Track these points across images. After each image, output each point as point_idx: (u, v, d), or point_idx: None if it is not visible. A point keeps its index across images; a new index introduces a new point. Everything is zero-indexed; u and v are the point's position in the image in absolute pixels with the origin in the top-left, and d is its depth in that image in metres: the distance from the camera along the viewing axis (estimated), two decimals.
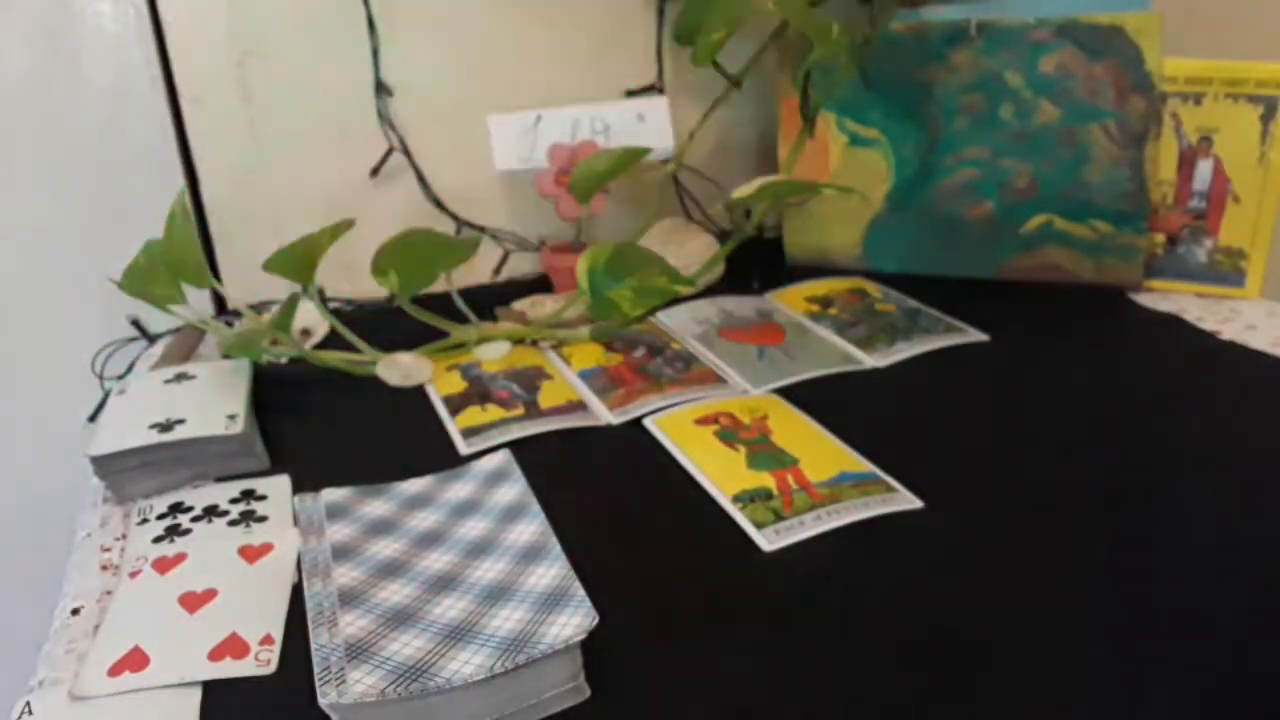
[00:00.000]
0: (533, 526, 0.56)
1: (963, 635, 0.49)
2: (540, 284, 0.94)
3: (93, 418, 0.85)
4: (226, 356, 0.80)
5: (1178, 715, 0.44)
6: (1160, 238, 0.87)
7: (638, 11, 0.95)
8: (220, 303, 0.94)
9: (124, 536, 0.61)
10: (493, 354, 0.80)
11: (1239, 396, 0.70)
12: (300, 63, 0.88)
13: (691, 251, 0.93)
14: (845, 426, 0.67)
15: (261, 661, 0.49)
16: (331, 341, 0.83)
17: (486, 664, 0.44)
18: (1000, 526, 0.57)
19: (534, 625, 0.46)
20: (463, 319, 0.80)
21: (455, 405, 0.73)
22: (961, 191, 0.89)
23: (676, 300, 0.82)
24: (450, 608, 0.49)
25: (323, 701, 0.43)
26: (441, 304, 0.79)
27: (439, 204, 0.94)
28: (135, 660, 0.49)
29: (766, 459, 0.64)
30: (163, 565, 0.56)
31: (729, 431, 0.67)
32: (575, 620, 0.46)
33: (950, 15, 0.86)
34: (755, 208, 0.86)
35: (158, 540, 0.59)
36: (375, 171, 0.92)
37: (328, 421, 0.73)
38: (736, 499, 0.60)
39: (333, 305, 0.93)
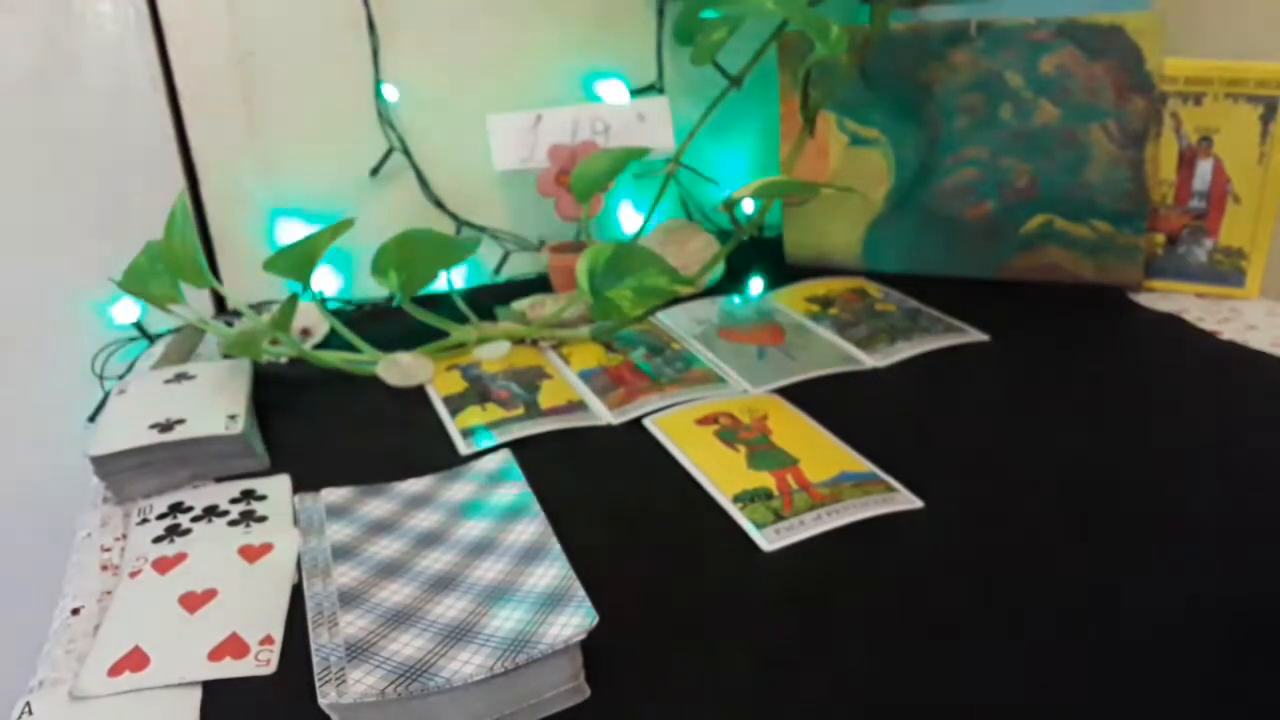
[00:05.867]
0: (533, 526, 0.56)
1: (963, 635, 0.49)
2: (540, 284, 0.94)
3: (93, 418, 0.85)
4: (226, 356, 0.80)
5: (1178, 713, 0.44)
6: (1160, 238, 0.87)
7: (638, 11, 0.95)
8: (220, 303, 0.94)
9: (124, 536, 0.61)
10: (493, 354, 0.80)
11: (1239, 396, 0.70)
12: (300, 63, 0.88)
13: (691, 251, 0.93)
14: (845, 426, 0.67)
15: (261, 661, 0.49)
16: (331, 341, 0.83)
17: (486, 664, 0.44)
18: (1000, 526, 0.57)
19: (534, 625, 0.46)
20: (463, 319, 0.80)
21: (455, 405, 0.73)
22: (961, 191, 0.89)
23: (676, 300, 0.82)
24: (450, 608, 0.49)
25: (323, 701, 0.43)
26: (442, 304, 0.79)
27: (439, 204, 0.94)
28: (135, 660, 0.49)
29: (766, 459, 0.64)
30: (163, 565, 0.56)
31: (729, 431, 0.67)
32: (575, 620, 0.46)
33: (950, 15, 0.86)
34: (755, 208, 0.85)
35: (158, 540, 0.59)
36: (375, 171, 0.92)
37: (328, 421, 0.73)
38: (736, 499, 0.60)
39: (333, 305, 0.93)
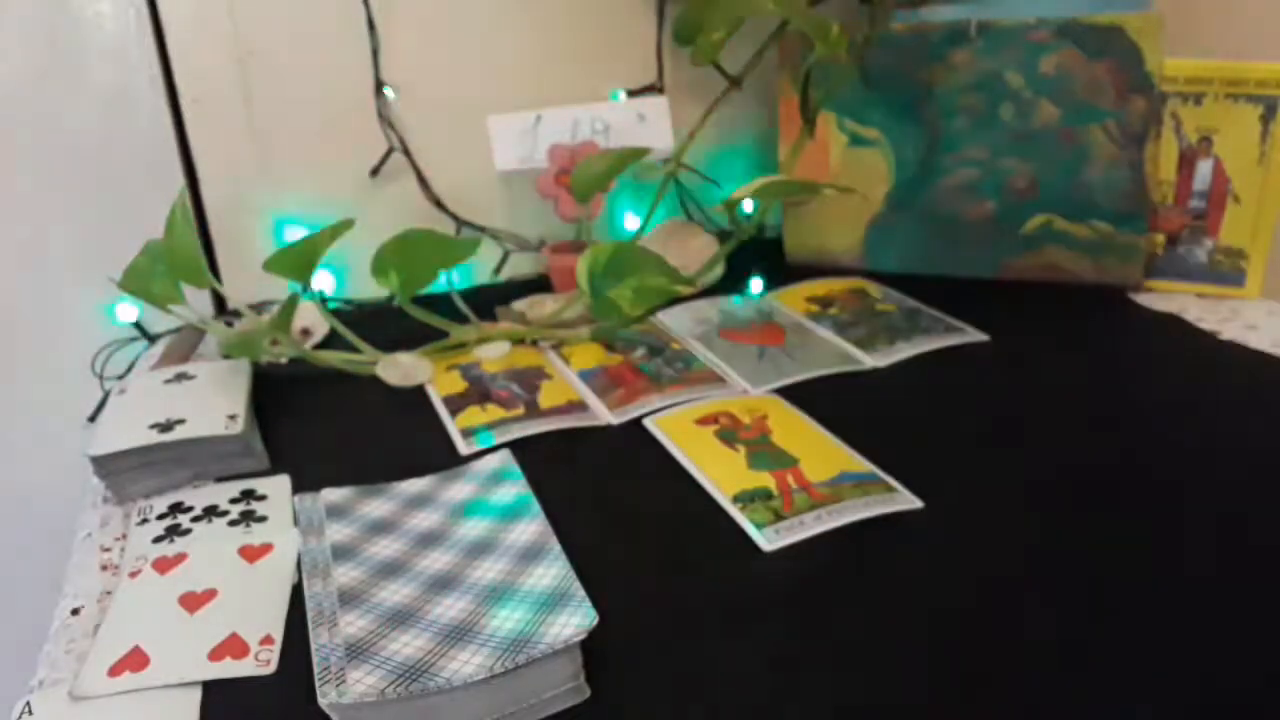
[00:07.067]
0: (533, 526, 0.56)
1: (963, 635, 0.49)
2: (540, 284, 0.94)
3: (93, 418, 0.85)
4: (226, 356, 0.80)
5: (1181, 708, 0.44)
6: (1160, 238, 0.87)
7: (638, 11, 0.95)
8: (220, 303, 0.94)
9: (124, 536, 0.61)
10: (493, 354, 0.80)
11: (1239, 396, 0.70)
12: (300, 63, 0.88)
13: (691, 251, 0.93)
14: (845, 426, 0.67)
15: (261, 661, 0.49)
16: (331, 341, 0.83)
17: (486, 664, 0.44)
18: (1000, 526, 0.57)
19: (534, 625, 0.46)
20: (463, 319, 0.80)
21: (455, 405, 0.73)
22: (962, 191, 0.89)
23: (676, 300, 0.82)
24: (450, 608, 0.49)
25: (323, 701, 0.43)
26: (441, 304, 0.79)
27: (439, 204, 0.94)
28: (135, 660, 0.49)
29: (766, 459, 0.64)
30: (163, 565, 0.56)
31: (729, 431, 0.67)
32: (575, 620, 0.46)
33: (950, 15, 0.86)
34: (755, 208, 0.85)
35: (158, 540, 0.59)
36: (375, 171, 0.92)
37: (328, 421, 0.73)
38: (736, 499, 0.60)
39: (333, 305, 0.93)
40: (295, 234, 0.91)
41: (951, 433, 0.68)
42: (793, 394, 0.73)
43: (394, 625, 0.48)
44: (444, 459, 0.66)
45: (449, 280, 0.79)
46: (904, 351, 0.78)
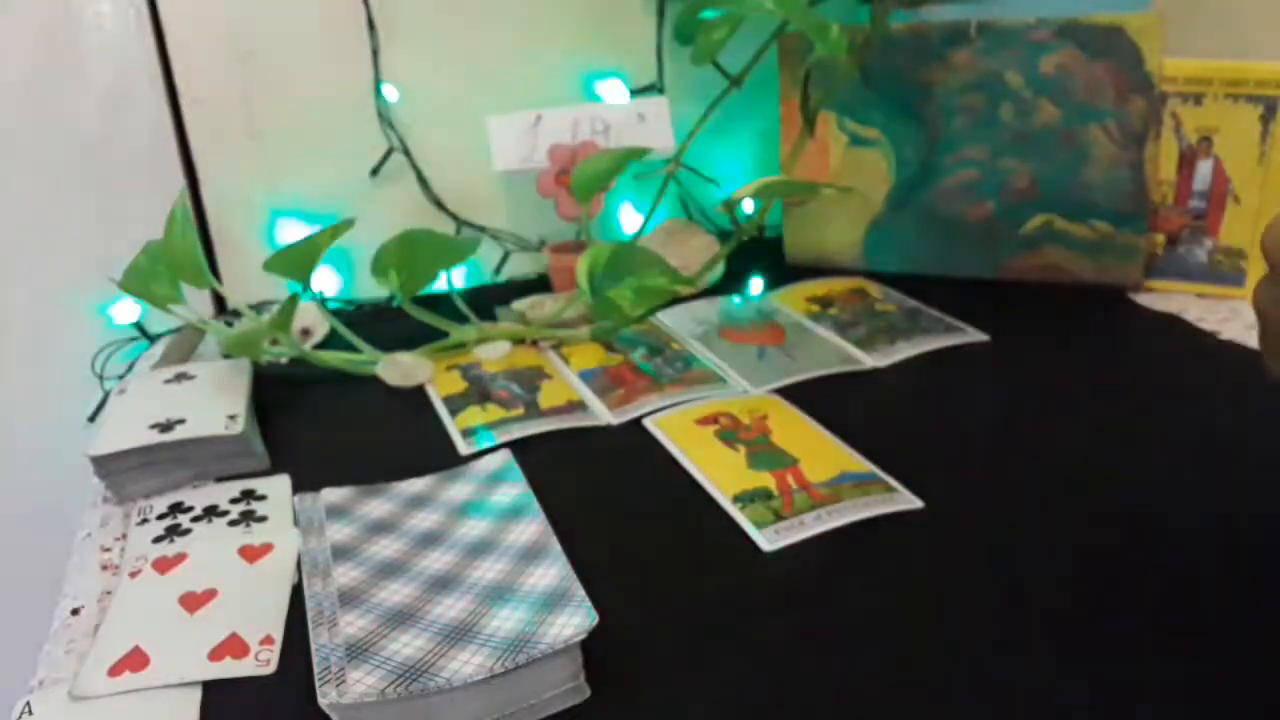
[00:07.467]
0: (533, 526, 0.56)
1: (963, 635, 0.49)
2: (540, 284, 0.94)
3: (93, 418, 0.85)
4: (227, 356, 0.80)
5: (1179, 710, 0.44)
6: (1160, 238, 0.87)
7: (638, 12, 0.95)
8: (220, 303, 0.94)
9: (124, 536, 0.61)
10: (493, 354, 0.80)
11: (1239, 396, 0.70)
12: (300, 63, 0.88)
13: (691, 251, 0.93)
14: (845, 426, 0.67)
15: (261, 661, 0.49)
16: (331, 341, 0.83)
17: (486, 664, 0.44)
18: (1000, 526, 0.57)
19: (534, 625, 0.46)
20: (463, 319, 0.80)
21: (455, 405, 0.73)
22: (962, 191, 0.89)
23: (676, 300, 0.82)
24: (450, 608, 0.49)
25: (323, 701, 0.43)
26: (442, 304, 0.79)
27: (439, 204, 0.94)
28: (135, 660, 0.49)
29: (766, 459, 0.64)
30: (163, 565, 0.56)
31: (729, 431, 0.67)
32: (575, 620, 0.46)
33: (950, 15, 0.86)
34: (755, 208, 0.86)
35: (158, 540, 0.59)
36: (375, 171, 0.92)
37: (328, 421, 0.73)
38: (736, 499, 0.60)
39: (333, 305, 0.93)
40: (290, 228, 0.91)
41: (951, 433, 0.68)
42: (793, 394, 0.73)
43: (394, 625, 0.48)
44: (444, 459, 0.66)
45: (449, 283, 0.79)
46: (904, 351, 0.78)
